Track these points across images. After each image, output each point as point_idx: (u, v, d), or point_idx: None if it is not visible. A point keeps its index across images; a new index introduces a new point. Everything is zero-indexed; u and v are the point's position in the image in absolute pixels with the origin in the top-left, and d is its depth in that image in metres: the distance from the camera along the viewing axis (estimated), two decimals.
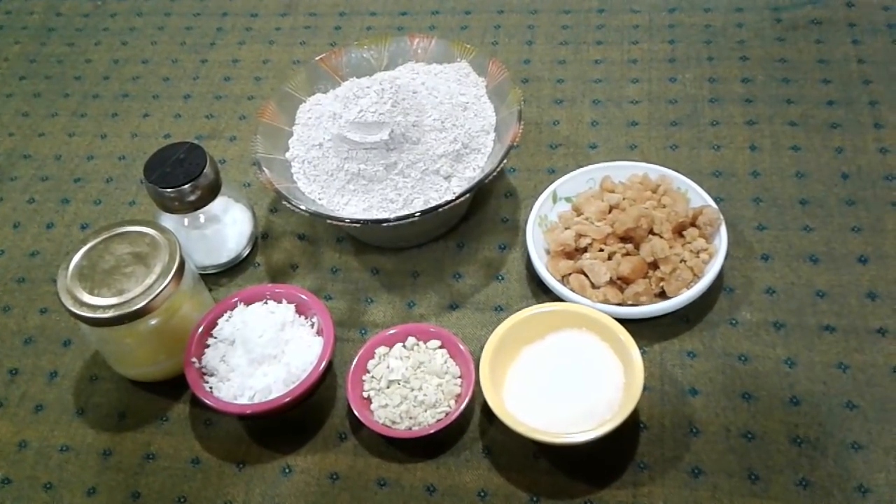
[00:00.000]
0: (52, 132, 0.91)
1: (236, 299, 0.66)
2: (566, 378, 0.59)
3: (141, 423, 0.66)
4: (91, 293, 0.61)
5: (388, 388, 0.62)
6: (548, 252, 0.68)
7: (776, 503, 0.56)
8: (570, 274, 0.66)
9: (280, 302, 0.66)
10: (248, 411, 0.60)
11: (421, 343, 0.64)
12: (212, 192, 0.69)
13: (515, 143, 0.68)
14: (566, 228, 0.68)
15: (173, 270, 0.61)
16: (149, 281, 0.61)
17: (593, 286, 0.65)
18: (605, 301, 0.64)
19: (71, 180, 0.85)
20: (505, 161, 0.67)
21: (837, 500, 0.55)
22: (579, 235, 0.67)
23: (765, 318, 0.64)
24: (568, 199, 0.72)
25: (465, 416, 0.62)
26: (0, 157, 0.89)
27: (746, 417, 0.60)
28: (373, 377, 0.63)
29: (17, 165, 0.88)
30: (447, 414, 0.60)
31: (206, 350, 0.64)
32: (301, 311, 0.66)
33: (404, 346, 0.64)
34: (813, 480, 0.56)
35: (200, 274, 0.69)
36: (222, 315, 0.66)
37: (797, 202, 0.71)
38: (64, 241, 0.80)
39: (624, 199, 0.68)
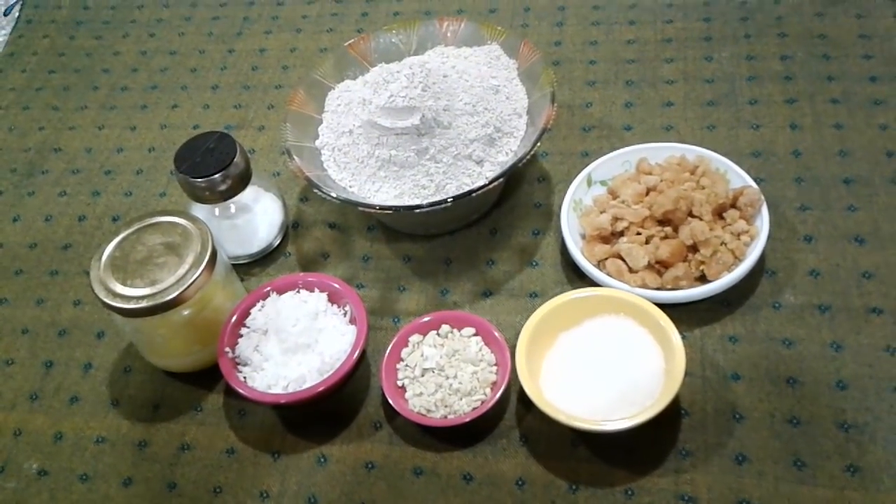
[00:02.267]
0: (81, 125, 0.91)
1: (268, 289, 0.66)
2: (605, 364, 0.58)
3: (175, 413, 0.66)
4: (124, 284, 0.60)
5: (422, 376, 0.61)
6: (583, 237, 0.67)
7: (824, 490, 0.54)
8: (606, 259, 0.65)
9: (312, 291, 0.66)
10: (283, 401, 0.60)
11: (455, 331, 0.63)
12: (242, 181, 0.69)
13: (549, 126, 0.66)
14: (602, 212, 0.67)
15: (205, 260, 0.61)
16: (181, 271, 0.61)
17: (631, 270, 0.63)
18: (644, 286, 0.62)
19: (101, 172, 0.85)
20: (538, 144, 0.66)
21: (887, 487, 0.54)
22: (616, 219, 0.65)
23: (809, 300, 0.63)
24: (603, 183, 0.70)
25: (501, 404, 0.61)
26: (31, 150, 0.89)
27: (791, 403, 0.58)
28: (407, 365, 0.62)
29: (48, 159, 0.88)
30: (483, 402, 0.59)
31: (239, 340, 0.64)
32: (333, 299, 0.65)
33: (438, 334, 0.63)
34: (861, 466, 0.55)
35: (232, 264, 0.69)
36: (255, 305, 0.65)
37: (840, 181, 0.69)
38: (96, 234, 0.80)
39: (661, 180, 0.67)
